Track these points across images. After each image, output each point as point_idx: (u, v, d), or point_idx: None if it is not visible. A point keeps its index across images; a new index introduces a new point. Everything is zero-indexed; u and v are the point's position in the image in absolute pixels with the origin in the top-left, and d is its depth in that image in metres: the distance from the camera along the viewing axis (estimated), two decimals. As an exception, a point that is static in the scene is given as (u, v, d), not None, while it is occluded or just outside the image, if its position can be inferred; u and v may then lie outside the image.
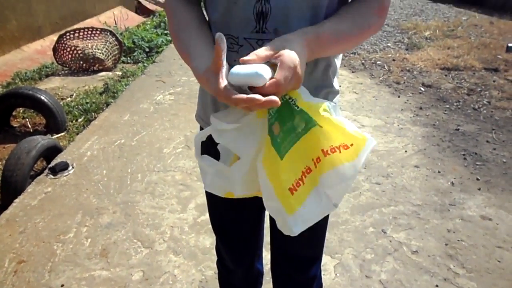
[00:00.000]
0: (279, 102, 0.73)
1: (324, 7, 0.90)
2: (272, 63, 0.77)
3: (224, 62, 0.75)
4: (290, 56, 0.76)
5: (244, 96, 0.71)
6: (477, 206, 2.60)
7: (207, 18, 0.98)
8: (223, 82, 0.74)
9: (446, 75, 5.20)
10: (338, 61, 1.06)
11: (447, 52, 6.12)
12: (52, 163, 2.84)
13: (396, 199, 2.64)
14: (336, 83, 1.06)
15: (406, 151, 3.26)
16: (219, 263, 1.43)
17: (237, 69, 0.74)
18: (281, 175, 0.82)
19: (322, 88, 1.01)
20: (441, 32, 7.33)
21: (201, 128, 1.14)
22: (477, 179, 2.90)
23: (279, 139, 0.82)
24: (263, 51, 0.77)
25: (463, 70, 5.37)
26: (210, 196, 1.20)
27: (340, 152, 0.82)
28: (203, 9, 1.01)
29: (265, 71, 0.74)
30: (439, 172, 2.97)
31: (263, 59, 0.76)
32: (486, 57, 5.80)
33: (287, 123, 0.82)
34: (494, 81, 4.96)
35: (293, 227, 0.84)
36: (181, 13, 0.96)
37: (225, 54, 0.74)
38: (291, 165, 0.83)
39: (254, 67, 0.74)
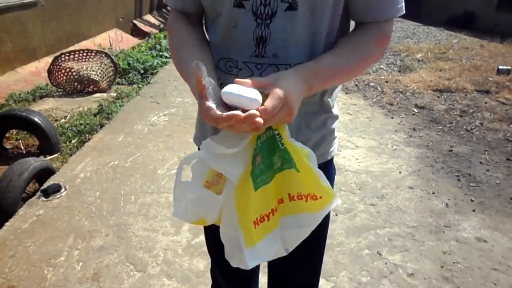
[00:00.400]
0: (261, 121, 0.71)
1: (323, 34, 0.91)
2: (264, 93, 0.76)
3: (208, 84, 0.74)
4: (282, 87, 0.76)
5: (224, 114, 0.70)
6: (472, 228, 2.60)
7: (208, 39, 1.00)
8: (207, 102, 0.73)
9: (438, 97, 5.26)
10: (337, 86, 1.07)
11: (439, 74, 6.21)
12: (45, 185, 2.81)
13: (391, 221, 2.63)
14: (335, 108, 1.07)
15: (400, 172, 3.27)
16: (214, 287, 1.40)
17: (230, 88, 0.74)
18: (250, 206, 0.81)
19: (321, 113, 1.01)
20: (433, 54, 7.45)
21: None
22: (471, 200, 2.91)
23: (258, 171, 0.82)
24: (258, 79, 0.78)
25: (455, 92, 5.44)
26: None
27: (306, 201, 0.83)
28: (205, 31, 1.03)
29: (258, 96, 0.74)
30: (433, 193, 2.97)
31: (257, 85, 0.76)
32: (478, 79, 5.89)
33: (270, 157, 0.83)
34: (486, 102, 5.03)
35: (248, 261, 0.82)
36: (182, 32, 0.98)
37: (206, 77, 0.73)
38: (262, 199, 0.82)
39: (249, 90, 0.74)
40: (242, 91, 0.73)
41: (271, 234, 0.85)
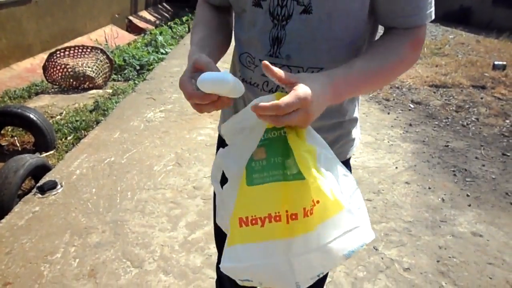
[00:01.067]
0: (267, 115, 0.69)
1: (345, 40, 0.90)
2: (284, 92, 0.74)
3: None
4: (306, 88, 0.72)
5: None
6: (468, 223, 2.61)
7: (231, 29, 1.04)
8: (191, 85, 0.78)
9: (434, 92, 5.27)
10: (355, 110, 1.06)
11: (435, 69, 6.22)
12: (41, 182, 2.80)
13: (387, 216, 2.64)
14: (355, 112, 1.05)
15: (396, 168, 3.27)
16: (218, 281, 1.42)
17: (206, 74, 0.73)
18: (239, 200, 0.73)
19: (335, 117, 1.00)
20: (429, 50, 7.46)
21: (220, 139, 1.14)
22: (467, 195, 2.92)
23: (259, 166, 0.74)
24: (287, 74, 0.75)
25: (451, 87, 5.45)
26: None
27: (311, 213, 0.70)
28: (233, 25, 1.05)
29: (231, 78, 0.73)
30: (429, 188, 2.98)
31: (281, 79, 0.74)
32: (474, 74, 5.90)
33: (277, 157, 0.75)
34: (481, 98, 5.04)
35: (223, 260, 0.74)
36: (201, 13, 1.03)
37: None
38: (258, 199, 0.72)
39: (223, 73, 0.73)
40: (214, 76, 0.73)
41: (262, 244, 0.71)
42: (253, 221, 0.71)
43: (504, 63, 6.16)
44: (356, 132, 1.10)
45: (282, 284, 0.72)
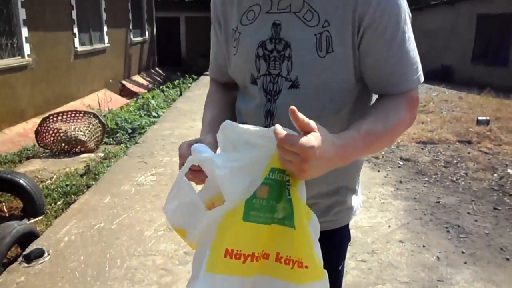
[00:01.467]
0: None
1: (333, 110, 0.95)
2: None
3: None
4: (313, 137, 0.71)
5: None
6: (465, 281, 2.56)
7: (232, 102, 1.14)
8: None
9: (422, 149, 5.36)
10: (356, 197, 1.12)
11: (422, 126, 6.36)
12: (27, 250, 2.73)
13: (383, 277, 2.58)
14: (355, 201, 1.10)
15: (389, 226, 3.25)
16: None
17: (199, 146, 0.82)
18: (230, 232, 0.74)
19: (332, 183, 1.02)
20: (414, 107, 7.68)
21: None
22: (462, 252, 2.89)
23: (258, 204, 0.75)
24: (307, 121, 0.73)
25: (438, 143, 5.56)
26: None
27: (292, 267, 0.74)
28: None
29: (215, 162, 0.75)
30: (424, 246, 2.95)
31: (300, 122, 0.72)
32: (459, 130, 6.04)
33: (274, 200, 0.76)
34: (468, 153, 5.13)
35: (199, 284, 0.74)
36: (211, 91, 1.17)
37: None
38: (247, 236, 0.75)
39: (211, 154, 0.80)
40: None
41: (240, 279, 0.75)
42: (237, 256, 0.73)
43: (488, 118, 6.34)
44: (355, 201, 1.10)
45: None
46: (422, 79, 0.94)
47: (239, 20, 0.99)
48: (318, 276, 0.75)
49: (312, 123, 0.73)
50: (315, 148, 0.70)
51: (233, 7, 1.01)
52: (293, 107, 0.72)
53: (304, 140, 0.70)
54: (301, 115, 0.72)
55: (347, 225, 1.12)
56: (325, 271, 0.76)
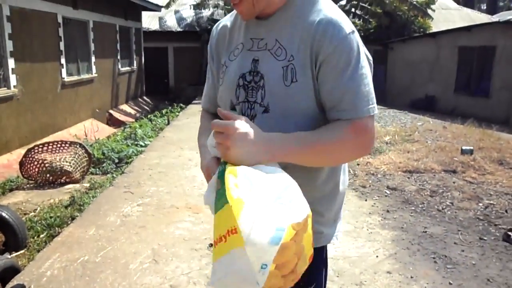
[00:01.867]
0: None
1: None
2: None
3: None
4: (240, 120, 0.96)
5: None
6: (454, 313, 2.55)
7: None
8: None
9: (408, 178, 5.41)
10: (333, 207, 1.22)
11: (407, 155, 6.44)
12: (7, 287, 2.65)
13: (371, 309, 2.56)
14: (332, 217, 1.22)
15: (377, 256, 3.24)
16: None
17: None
18: (214, 227, 0.88)
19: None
20: (399, 137, 7.78)
21: None
22: (450, 283, 2.88)
23: (218, 195, 0.90)
24: (231, 113, 1.01)
25: (424, 172, 5.62)
26: None
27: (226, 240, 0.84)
28: None
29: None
30: (411, 277, 2.94)
31: (225, 114, 1.01)
32: (444, 159, 6.13)
33: (222, 189, 0.89)
34: (454, 182, 5.19)
35: (212, 274, 0.87)
36: (203, 121, 1.32)
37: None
38: (218, 223, 0.88)
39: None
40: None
41: (227, 255, 0.85)
42: (220, 239, 0.85)
43: (471, 147, 6.45)
44: (328, 228, 1.19)
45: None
46: (373, 111, 1.04)
47: (228, 56, 1.20)
48: (240, 242, 0.81)
49: (238, 115, 0.99)
50: (235, 124, 0.93)
51: (224, 46, 1.23)
52: (219, 109, 1.04)
53: (227, 120, 0.96)
54: (225, 111, 1.02)
55: (322, 250, 1.20)
56: (251, 238, 0.80)
